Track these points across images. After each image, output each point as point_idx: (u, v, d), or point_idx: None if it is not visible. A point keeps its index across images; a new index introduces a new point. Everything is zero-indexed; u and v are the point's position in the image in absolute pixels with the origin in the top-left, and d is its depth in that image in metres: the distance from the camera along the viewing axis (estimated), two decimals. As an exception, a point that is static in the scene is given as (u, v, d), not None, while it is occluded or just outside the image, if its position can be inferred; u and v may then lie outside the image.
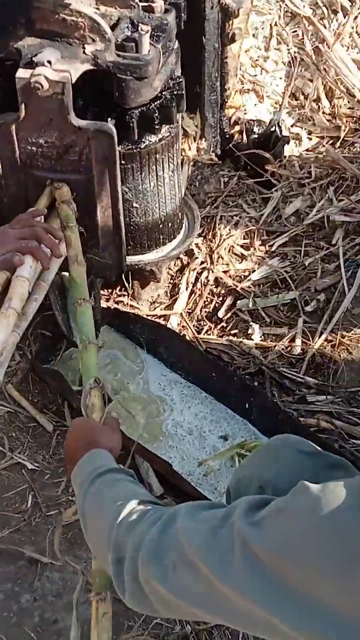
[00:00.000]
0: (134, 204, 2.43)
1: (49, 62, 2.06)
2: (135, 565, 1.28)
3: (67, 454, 1.65)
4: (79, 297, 2.10)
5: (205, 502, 1.33)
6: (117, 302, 2.68)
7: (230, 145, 2.94)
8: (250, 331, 2.60)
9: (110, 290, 2.69)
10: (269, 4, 3.36)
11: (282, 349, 2.56)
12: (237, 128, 3.00)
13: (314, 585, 1.06)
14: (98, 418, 1.77)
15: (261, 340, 2.58)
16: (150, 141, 2.32)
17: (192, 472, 2.26)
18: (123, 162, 2.30)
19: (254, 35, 3.27)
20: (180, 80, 2.34)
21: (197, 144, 2.86)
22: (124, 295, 2.68)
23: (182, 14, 2.37)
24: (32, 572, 2.01)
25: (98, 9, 2.20)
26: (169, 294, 2.74)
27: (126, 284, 2.63)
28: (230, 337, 2.60)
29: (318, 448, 1.58)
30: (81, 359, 1.97)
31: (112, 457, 1.55)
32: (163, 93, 2.27)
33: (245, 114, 3.05)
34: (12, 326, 1.83)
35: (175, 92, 2.30)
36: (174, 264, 2.77)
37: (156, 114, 2.23)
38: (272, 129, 2.94)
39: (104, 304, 2.61)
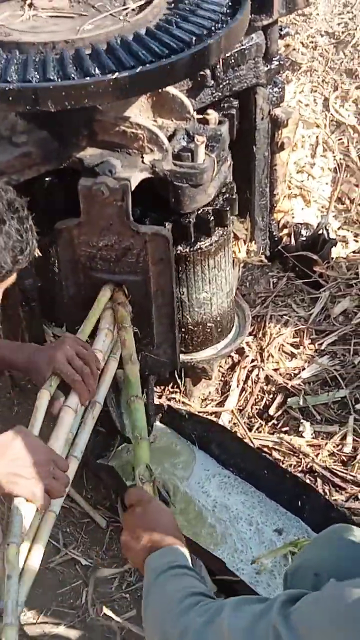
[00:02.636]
0: (188, 304, 2.50)
1: (110, 171, 2.18)
2: None
3: (141, 522, 1.68)
4: (132, 394, 2.17)
5: (252, 597, 1.40)
6: (169, 399, 2.73)
7: (279, 247, 3.04)
8: (301, 429, 2.62)
9: (162, 387, 2.74)
10: (315, 114, 3.52)
11: (334, 447, 2.58)
12: (285, 231, 3.10)
13: None
14: None
15: (312, 438, 2.60)
16: (204, 244, 2.42)
17: (245, 570, 2.25)
18: (178, 263, 2.39)
19: (302, 145, 3.41)
20: (232, 186, 2.45)
21: (247, 246, 2.96)
22: (176, 392, 2.74)
23: (234, 125, 2.51)
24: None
25: (155, 120, 2.34)
26: (220, 391, 2.79)
27: (178, 381, 2.69)
28: (281, 435, 2.63)
29: None
30: (134, 455, 2.03)
31: (189, 559, 1.61)
32: (217, 198, 2.38)
33: (293, 217, 3.15)
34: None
35: (227, 198, 2.41)
36: (225, 362, 2.83)
37: (211, 218, 2.34)
38: (320, 231, 3.04)
39: (156, 401, 2.66)
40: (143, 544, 1.63)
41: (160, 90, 2.27)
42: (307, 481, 2.48)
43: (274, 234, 3.04)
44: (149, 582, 1.54)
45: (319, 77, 3.65)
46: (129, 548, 1.67)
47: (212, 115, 2.35)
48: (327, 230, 3.03)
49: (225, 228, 2.45)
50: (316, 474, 2.52)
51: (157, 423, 2.66)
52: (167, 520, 1.70)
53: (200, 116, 2.36)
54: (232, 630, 1.29)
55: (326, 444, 2.58)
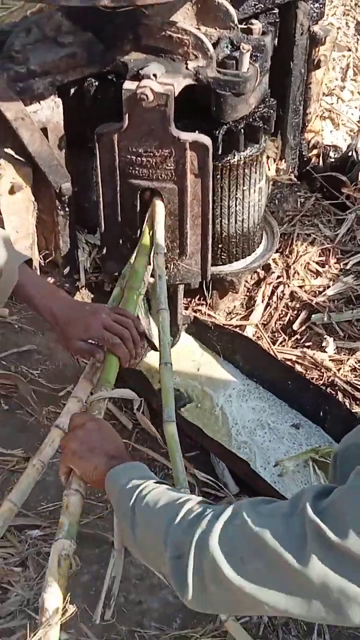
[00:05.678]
0: (220, 215, 2.54)
1: (155, 75, 2.19)
2: (199, 560, 1.29)
3: (96, 435, 1.59)
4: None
5: (263, 498, 1.36)
6: (195, 311, 2.79)
7: (308, 167, 3.06)
8: (324, 344, 2.68)
9: (189, 299, 2.79)
10: (347, 37, 3.50)
11: (355, 362, 2.64)
12: (314, 152, 3.11)
13: None
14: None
15: (335, 353, 2.67)
16: (241, 155, 2.44)
17: (268, 471, 2.34)
18: (214, 174, 2.41)
19: (332, 68, 3.41)
20: (271, 99, 2.47)
21: (277, 164, 2.98)
22: (202, 304, 2.79)
23: (275, 38, 2.51)
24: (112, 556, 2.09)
25: (199, 29, 2.34)
26: (245, 306, 2.85)
27: (205, 293, 2.74)
28: (304, 349, 2.69)
29: None
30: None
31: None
32: (256, 110, 2.39)
33: (323, 138, 3.16)
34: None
35: (266, 110, 2.43)
36: (251, 278, 2.87)
37: (251, 128, 2.36)
38: (349, 153, 3.05)
39: (183, 312, 2.72)
40: (103, 454, 1.54)
41: (206, -2, 2.27)
42: (328, 394, 2.56)
43: (304, 153, 3.06)
44: (131, 495, 1.43)
45: (352, 1, 3.62)
46: (81, 457, 1.55)
47: (257, 25, 2.35)
48: (356, 152, 3.05)
49: (262, 141, 2.47)
50: (337, 387, 2.59)
51: (183, 333, 2.72)
52: (120, 438, 1.63)
53: (244, 26, 2.36)
54: (261, 534, 1.24)
55: (348, 359, 2.64)
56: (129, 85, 2.21)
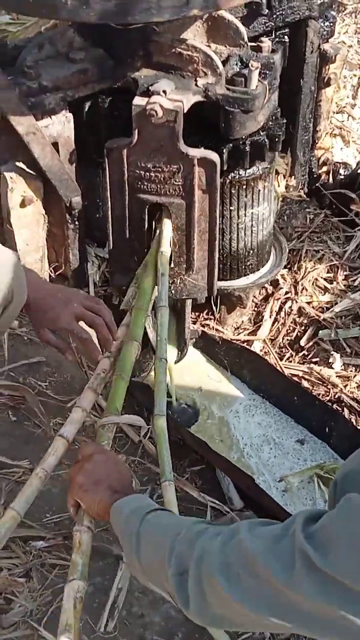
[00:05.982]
0: (229, 231, 2.55)
1: (164, 91, 2.21)
2: (199, 576, 1.32)
3: (102, 467, 1.62)
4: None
5: (264, 520, 1.38)
6: (203, 326, 2.80)
7: (318, 184, 3.08)
8: (331, 360, 2.69)
9: (197, 314, 2.81)
10: (359, 55, 3.52)
11: (362, 379, 2.65)
12: (324, 169, 3.13)
13: None
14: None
15: (342, 370, 2.67)
16: (249, 172, 2.46)
17: (273, 487, 2.35)
18: (222, 190, 2.43)
19: (343, 86, 3.43)
20: (282, 120, 2.48)
21: (287, 181, 2.99)
22: (210, 319, 2.81)
23: (285, 55, 2.54)
24: (120, 569, 2.10)
25: (209, 46, 2.36)
26: (252, 321, 2.86)
27: (213, 307, 2.75)
28: (311, 365, 2.70)
29: None
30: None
31: None
32: (264, 127, 2.41)
33: (332, 156, 3.18)
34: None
35: (274, 128, 2.45)
36: (259, 293, 2.88)
37: (258, 146, 2.38)
38: (359, 171, 3.07)
39: (191, 327, 2.73)
40: (107, 487, 1.58)
41: (216, 15, 2.29)
42: (335, 410, 2.56)
43: (313, 170, 3.07)
44: (135, 522, 1.45)
45: (363, 19, 3.65)
46: (87, 490, 1.60)
47: (266, 43, 2.38)
48: (366, 170, 3.07)
49: (271, 158, 2.48)
50: (343, 404, 2.60)
51: (191, 347, 2.73)
52: (127, 469, 1.68)
53: (254, 44, 2.38)
54: (254, 553, 1.27)
55: (355, 376, 2.65)
56: (138, 101, 2.23)
